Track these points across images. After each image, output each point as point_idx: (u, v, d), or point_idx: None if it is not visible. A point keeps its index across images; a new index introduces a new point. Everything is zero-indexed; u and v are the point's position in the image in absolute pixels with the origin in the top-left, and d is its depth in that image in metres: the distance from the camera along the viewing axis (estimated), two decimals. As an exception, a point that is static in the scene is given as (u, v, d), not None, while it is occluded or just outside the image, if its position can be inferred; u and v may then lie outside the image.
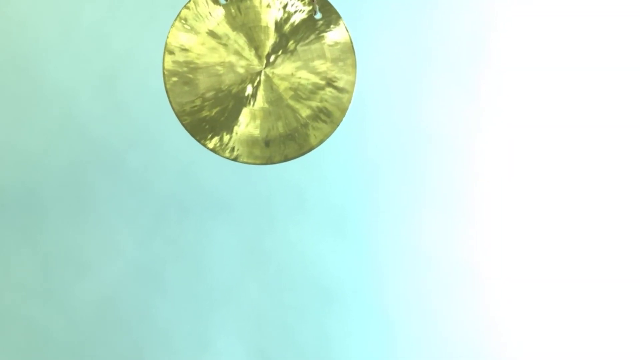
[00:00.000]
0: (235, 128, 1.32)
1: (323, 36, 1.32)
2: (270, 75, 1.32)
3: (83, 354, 1.90)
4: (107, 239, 1.91)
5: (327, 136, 1.34)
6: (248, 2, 1.32)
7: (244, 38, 1.32)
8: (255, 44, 1.32)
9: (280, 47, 1.32)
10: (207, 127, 1.32)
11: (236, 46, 1.32)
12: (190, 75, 1.31)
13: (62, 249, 1.90)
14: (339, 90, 1.33)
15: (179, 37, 1.31)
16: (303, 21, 1.32)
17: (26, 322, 1.89)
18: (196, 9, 1.31)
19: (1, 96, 1.89)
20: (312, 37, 1.32)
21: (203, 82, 1.32)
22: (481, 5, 1.92)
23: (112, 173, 1.90)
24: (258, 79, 1.32)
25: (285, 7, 1.32)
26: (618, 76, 1.92)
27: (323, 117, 1.33)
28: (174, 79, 1.31)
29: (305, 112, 1.33)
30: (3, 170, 1.89)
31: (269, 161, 1.33)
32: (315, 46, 1.32)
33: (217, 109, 1.32)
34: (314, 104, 1.33)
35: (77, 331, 1.90)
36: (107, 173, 1.90)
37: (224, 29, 1.31)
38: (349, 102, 1.34)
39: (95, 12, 1.90)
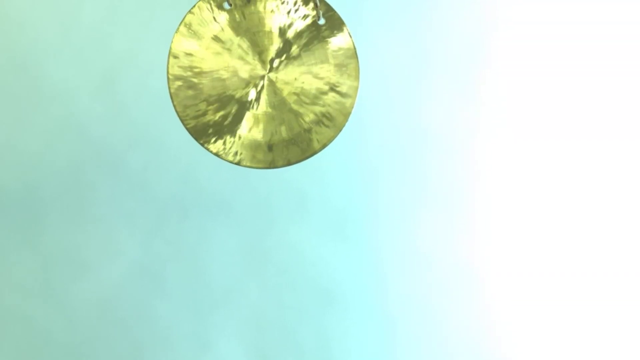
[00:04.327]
0: (239, 132, 1.33)
1: (326, 42, 1.33)
2: (274, 80, 1.33)
3: (83, 354, 1.90)
4: (107, 239, 1.91)
5: (330, 141, 1.35)
6: (252, 7, 1.32)
7: (248, 43, 1.32)
8: (259, 49, 1.32)
9: (284, 52, 1.32)
10: (210, 131, 1.33)
11: (240, 51, 1.32)
12: (195, 80, 1.32)
13: (62, 249, 1.90)
14: (342, 95, 1.34)
15: (183, 42, 1.31)
16: (307, 27, 1.33)
17: (26, 322, 1.90)
18: (201, 14, 1.32)
19: (1, 96, 1.89)
20: (316, 42, 1.33)
21: (207, 86, 1.32)
22: (481, 6, 1.92)
23: (112, 173, 1.90)
24: (262, 83, 1.33)
25: (289, 13, 1.32)
26: (618, 77, 1.92)
27: (326, 121, 1.34)
28: (179, 83, 1.32)
29: (308, 117, 1.33)
30: (3, 170, 1.89)
31: (272, 165, 1.34)
32: (318, 51, 1.33)
33: (221, 113, 1.33)
34: (317, 108, 1.33)
35: (77, 331, 1.90)
36: (107, 173, 1.90)
37: (228, 34, 1.32)
38: (352, 107, 1.34)
39: (95, 12, 1.90)
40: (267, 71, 1.32)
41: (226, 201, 1.92)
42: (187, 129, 1.33)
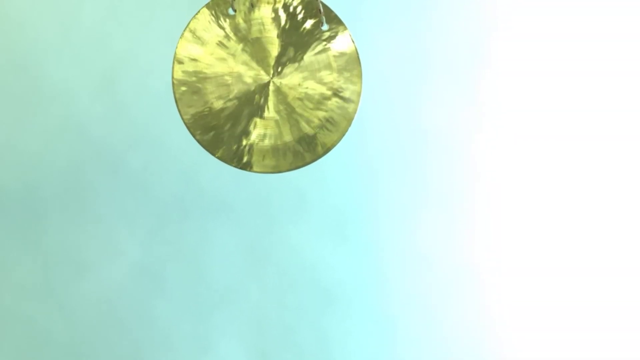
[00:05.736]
0: (244, 137, 1.33)
1: (329, 47, 1.33)
2: (278, 85, 1.33)
3: (83, 354, 1.90)
4: (107, 239, 1.91)
5: (333, 145, 1.35)
6: (256, 13, 1.32)
7: (252, 49, 1.33)
8: (263, 54, 1.33)
9: (288, 57, 1.33)
10: (215, 136, 1.33)
11: (244, 57, 1.32)
12: (199, 85, 1.32)
13: (62, 249, 1.90)
14: (345, 100, 1.34)
15: (188, 48, 1.32)
16: (310, 32, 1.33)
17: (26, 322, 1.90)
18: (205, 20, 1.32)
19: (1, 96, 1.89)
20: (319, 48, 1.33)
21: (212, 91, 1.32)
22: (481, 6, 1.93)
23: (112, 173, 1.91)
24: (266, 89, 1.33)
25: (292, 18, 1.33)
26: (619, 77, 1.93)
27: (329, 126, 1.34)
28: (183, 88, 1.32)
29: (312, 122, 1.34)
30: (3, 170, 1.89)
31: (277, 170, 1.34)
32: (321, 57, 1.33)
33: (225, 118, 1.33)
34: (320, 113, 1.34)
35: (77, 331, 1.90)
36: (107, 173, 1.90)
37: (232, 39, 1.32)
38: (355, 112, 1.35)
39: (95, 12, 1.90)
40: (271, 76, 1.33)
41: (226, 202, 1.92)
42: (192, 134, 1.33)
